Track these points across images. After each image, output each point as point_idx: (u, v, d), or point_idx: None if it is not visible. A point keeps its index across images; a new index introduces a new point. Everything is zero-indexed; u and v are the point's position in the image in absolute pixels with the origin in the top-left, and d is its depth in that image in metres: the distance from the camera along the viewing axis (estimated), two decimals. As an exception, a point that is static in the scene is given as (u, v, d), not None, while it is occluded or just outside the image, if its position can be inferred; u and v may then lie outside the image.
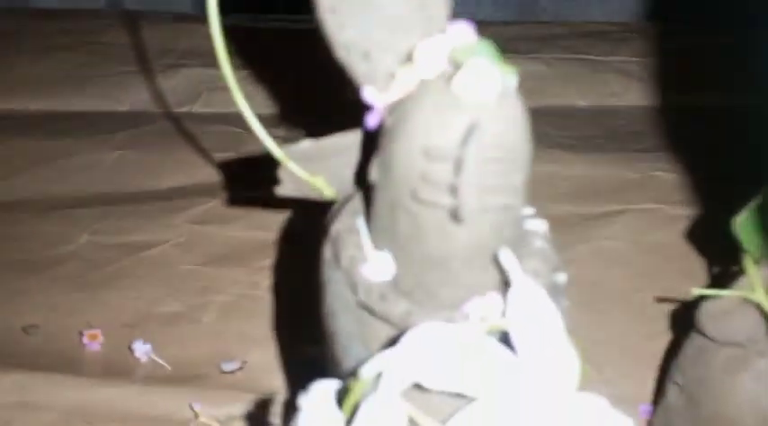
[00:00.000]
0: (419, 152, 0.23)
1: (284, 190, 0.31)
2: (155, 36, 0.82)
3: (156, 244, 0.53)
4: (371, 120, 0.26)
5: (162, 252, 0.52)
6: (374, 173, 0.26)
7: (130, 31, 0.83)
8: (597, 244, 0.52)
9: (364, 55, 0.25)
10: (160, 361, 0.42)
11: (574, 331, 0.47)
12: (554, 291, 0.27)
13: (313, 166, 0.30)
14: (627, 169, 0.60)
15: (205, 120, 0.70)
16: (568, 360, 0.23)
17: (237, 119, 0.70)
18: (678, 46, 0.81)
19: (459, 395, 0.22)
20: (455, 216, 0.23)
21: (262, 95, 0.73)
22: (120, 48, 0.81)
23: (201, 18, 0.85)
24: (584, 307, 0.49)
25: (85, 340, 0.43)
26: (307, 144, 0.30)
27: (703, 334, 0.33)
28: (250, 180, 0.63)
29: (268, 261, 0.51)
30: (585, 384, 0.43)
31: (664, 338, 0.47)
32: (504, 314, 0.25)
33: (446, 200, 0.24)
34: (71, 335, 0.44)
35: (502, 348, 0.23)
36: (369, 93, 0.25)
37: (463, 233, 0.24)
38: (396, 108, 0.25)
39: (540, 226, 0.28)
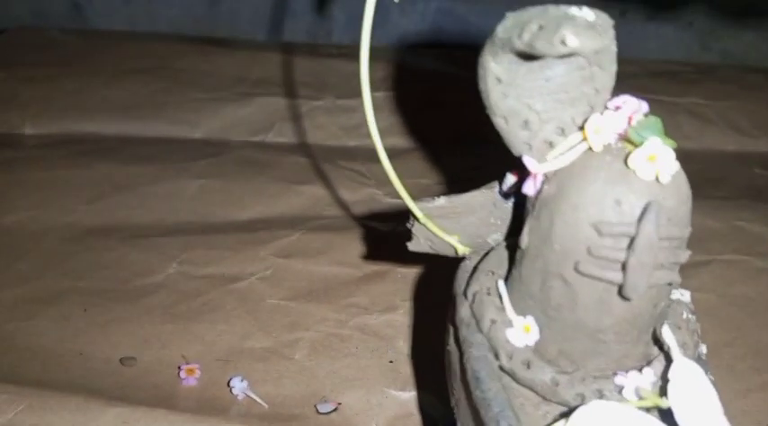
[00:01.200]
0: (588, 226, 0.24)
1: (417, 246, 0.31)
2: (228, 63, 0.83)
3: (242, 276, 0.53)
4: (530, 188, 0.26)
5: (249, 286, 0.52)
6: (525, 240, 0.26)
7: (204, 58, 0.85)
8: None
9: (524, 123, 0.26)
10: (257, 399, 0.43)
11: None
12: (699, 364, 0.27)
13: (445, 223, 0.31)
14: (710, 218, 0.59)
15: (279, 150, 0.71)
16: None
17: (311, 150, 0.72)
18: (750, 85, 0.81)
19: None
20: (622, 292, 0.23)
21: (338, 124, 0.74)
22: (194, 74, 0.82)
23: (274, 47, 0.87)
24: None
25: (183, 374, 0.44)
26: (442, 201, 0.30)
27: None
28: (329, 213, 0.63)
29: (354, 299, 0.52)
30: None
31: (756, 395, 0.46)
32: (657, 388, 0.25)
33: (611, 275, 0.24)
34: (167, 368, 0.45)
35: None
36: (530, 163, 0.25)
37: (622, 306, 0.24)
38: (555, 177, 0.25)
39: (684, 295, 0.28)
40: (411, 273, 0.55)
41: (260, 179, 0.66)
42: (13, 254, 0.55)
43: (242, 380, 0.43)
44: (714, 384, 0.27)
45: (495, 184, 0.30)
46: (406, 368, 0.47)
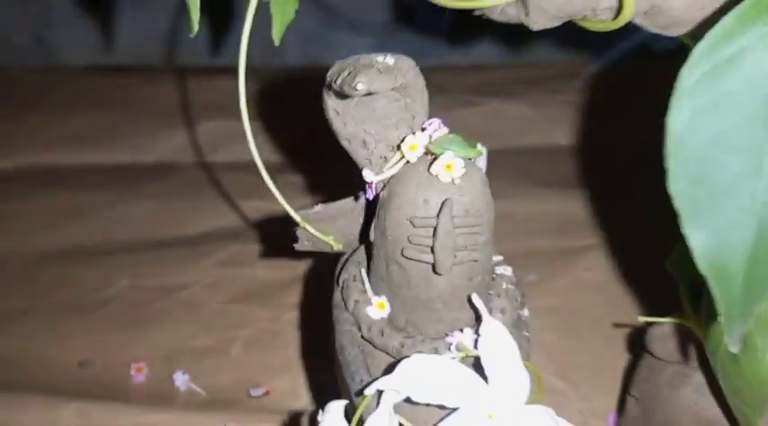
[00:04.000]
0: (407, 220, 0.30)
1: (301, 246, 0.37)
2: (178, 90, 0.90)
3: (187, 285, 0.60)
4: (369, 194, 0.33)
5: (193, 293, 0.59)
6: (372, 235, 0.33)
7: (155, 87, 0.92)
8: (577, 275, 0.59)
9: (363, 143, 0.33)
10: (197, 389, 0.49)
11: (557, 354, 0.54)
12: (518, 324, 0.34)
13: (323, 226, 0.37)
14: (598, 204, 0.67)
15: (226, 169, 0.78)
16: (522, 381, 0.29)
17: (254, 169, 0.78)
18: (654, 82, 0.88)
19: (440, 407, 0.29)
20: (435, 269, 0.30)
21: (277, 142, 0.81)
22: (146, 102, 0.89)
23: (222, 72, 0.94)
24: (566, 333, 0.56)
25: (133, 372, 0.50)
26: (319, 207, 0.37)
27: (652, 354, 0.40)
28: (268, 224, 0.70)
29: (286, 298, 0.58)
30: (564, 399, 0.50)
31: (628, 357, 0.53)
32: (476, 345, 0.32)
33: (427, 257, 0.30)
34: (119, 368, 0.51)
35: (472, 371, 0.30)
36: (367, 174, 0.32)
37: (442, 281, 0.31)
38: (388, 184, 0.32)
39: (507, 270, 0.35)
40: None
41: (206, 197, 0.72)
42: (-20, 280, 0.62)
43: (184, 374, 0.50)
44: (529, 340, 0.34)
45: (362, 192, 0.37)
46: (330, 358, 0.54)
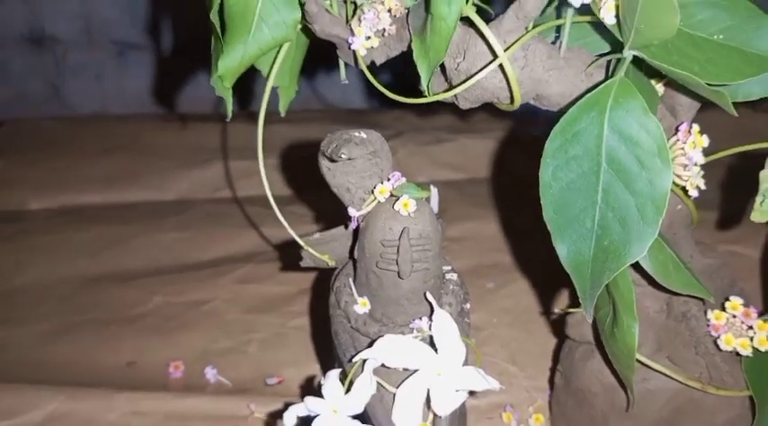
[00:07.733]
0: (378, 242, 0.44)
1: (305, 263, 0.51)
2: (189, 135, 1.04)
3: (209, 300, 0.73)
4: (353, 224, 0.46)
5: (215, 306, 0.72)
6: (355, 253, 0.46)
7: (169, 132, 1.05)
8: (527, 281, 0.73)
9: (347, 189, 0.46)
10: (224, 380, 0.62)
11: (509, 344, 0.67)
12: (461, 313, 0.48)
13: (322, 248, 0.51)
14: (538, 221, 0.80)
15: (235, 202, 0.91)
16: (459, 351, 0.43)
17: (260, 201, 0.92)
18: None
19: (405, 370, 0.42)
20: (399, 276, 0.44)
21: (282, 178, 0.94)
22: (161, 146, 1.02)
23: (223, 117, 1.07)
24: (517, 328, 0.69)
25: (171, 369, 0.63)
26: (317, 234, 0.50)
27: (569, 337, 0.53)
28: (275, 247, 0.83)
29: (291, 308, 0.72)
30: (514, 379, 0.62)
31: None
32: (430, 328, 0.45)
33: (394, 268, 0.44)
34: (160, 367, 0.64)
35: (427, 346, 0.43)
36: (351, 211, 0.46)
37: (405, 284, 0.45)
38: (366, 217, 0.46)
39: (453, 276, 0.48)
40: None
41: (220, 227, 0.86)
42: (35, 301, 0.74)
43: (212, 369, 0.63)
44: (469, 324, 0.47)
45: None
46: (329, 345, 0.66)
